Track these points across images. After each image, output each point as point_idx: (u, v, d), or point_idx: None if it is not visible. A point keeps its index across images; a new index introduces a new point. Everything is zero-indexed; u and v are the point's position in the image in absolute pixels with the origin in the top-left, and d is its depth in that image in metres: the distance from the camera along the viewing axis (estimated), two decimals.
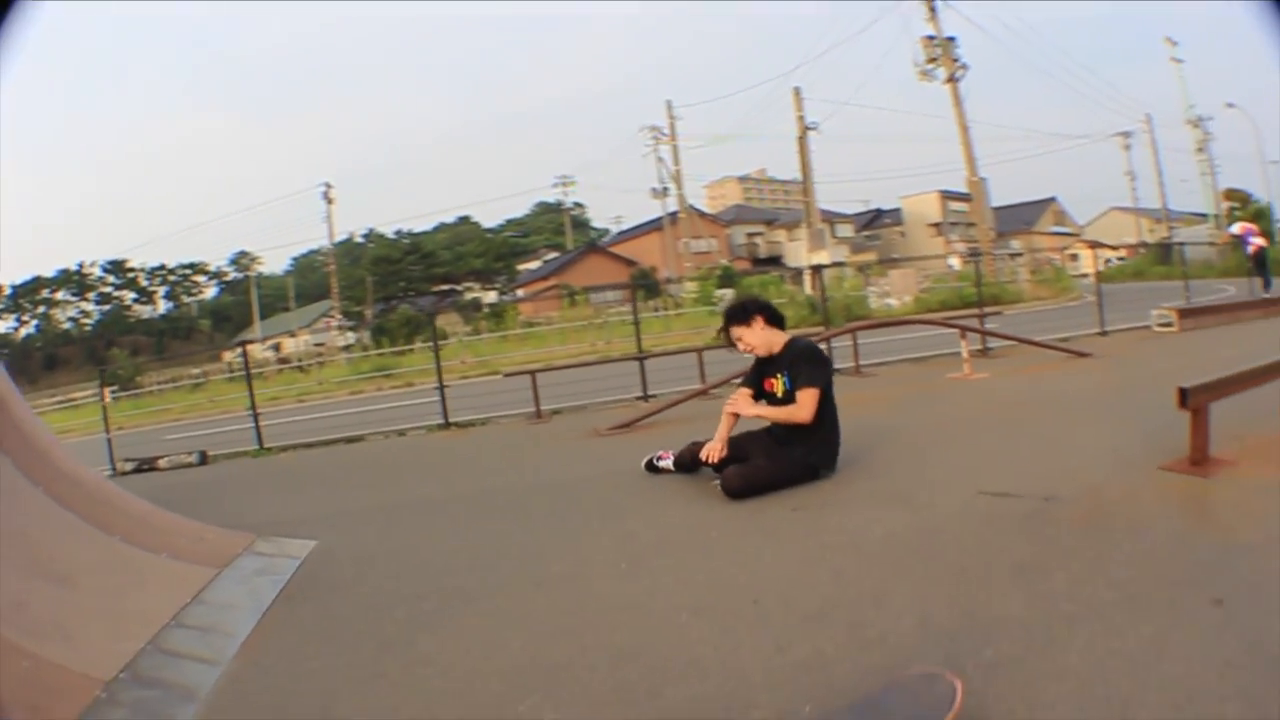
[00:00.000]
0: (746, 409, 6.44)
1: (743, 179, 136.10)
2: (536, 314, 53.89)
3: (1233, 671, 2.92)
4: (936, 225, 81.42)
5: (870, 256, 69.49)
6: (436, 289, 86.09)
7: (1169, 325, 16.63)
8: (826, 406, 6.35)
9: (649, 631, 3.83)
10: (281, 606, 4.85)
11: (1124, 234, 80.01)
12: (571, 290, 64.93)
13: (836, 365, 12.81)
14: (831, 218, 78.67)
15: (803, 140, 40.65)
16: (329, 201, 66.32)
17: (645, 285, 63.35)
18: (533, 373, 13.51)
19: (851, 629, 3.56)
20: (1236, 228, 23.44)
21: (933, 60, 40.46)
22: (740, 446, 6.55)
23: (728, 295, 41.78)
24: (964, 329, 13.43)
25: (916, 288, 36.11)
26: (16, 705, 3.37)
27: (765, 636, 3.60)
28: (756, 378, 6.69)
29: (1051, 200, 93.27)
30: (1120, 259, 63.21)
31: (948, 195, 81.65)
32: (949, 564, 4.28)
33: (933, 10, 40.36)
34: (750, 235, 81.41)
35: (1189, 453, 5.82)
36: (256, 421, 13.80)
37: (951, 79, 40.38)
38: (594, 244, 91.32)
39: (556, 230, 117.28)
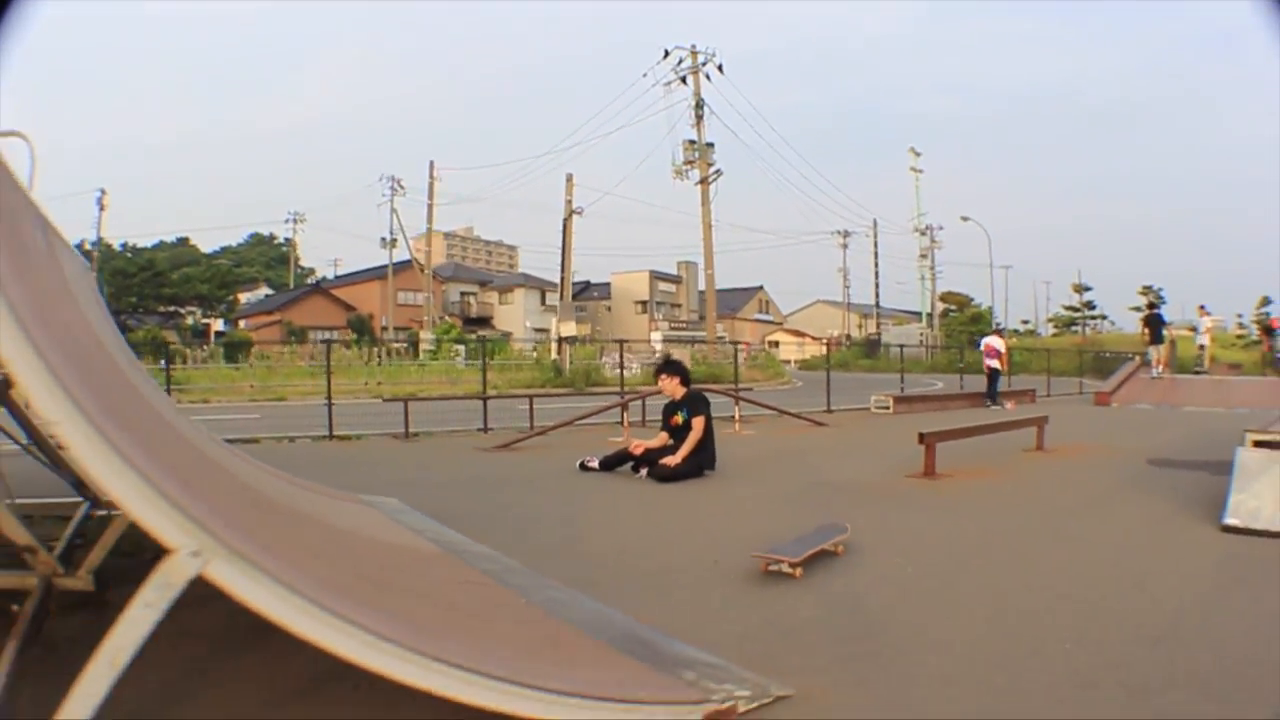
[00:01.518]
0: (677, 459, 10.68)
1: (448, 235, 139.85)
2: (260, 344, 55.62)
3: (940, 529, 7.61)
4: (643, 303, 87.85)
5: (586, 327, 74.78)
6: (161, 309, 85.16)
7: (886, 408, 22.27)
8: (709, 430, 10.86)
9: (653, 539, 8.05)
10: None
11: (828, 326, 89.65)
12: (293, 327, 67.09)
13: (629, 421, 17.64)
14: (543, 285, 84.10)
15: (568, 222, 45.34)
16: (102, 208, 65.98)
17: (359, 330, 66.31)
18: (406, 401, 17.26)
19: (750, 536, 7.77)
20: (986, 343, 27.37)
21: (690, 162, 46.11)
22: (655, 453, 10.95)
23: (461, 350, 46.20)
24: (737, 397, 18.34)
25: (645, 361, 41.18)
26: None
27: (705, 539, 7.89)
28: (666, 418, 11.37)
29: (759, 289, 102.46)
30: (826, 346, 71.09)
31: (657, 275, 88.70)
32: (793, 508, 8.79)
33: (699, 118, 46.11)
34: (464, 294, 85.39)
35: (924, 470, 10.76)
36: None
37: (705, 181, 46.24)
38: (318, 284, 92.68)
39: (268, 263, 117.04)
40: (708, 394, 11.62)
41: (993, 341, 27.22)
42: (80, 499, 6.54)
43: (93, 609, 4.96)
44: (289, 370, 37.10)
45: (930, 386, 33.74)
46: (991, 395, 25.79)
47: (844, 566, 6.46)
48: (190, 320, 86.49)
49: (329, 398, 16.94)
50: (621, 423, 15.94)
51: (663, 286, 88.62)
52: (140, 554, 6.47)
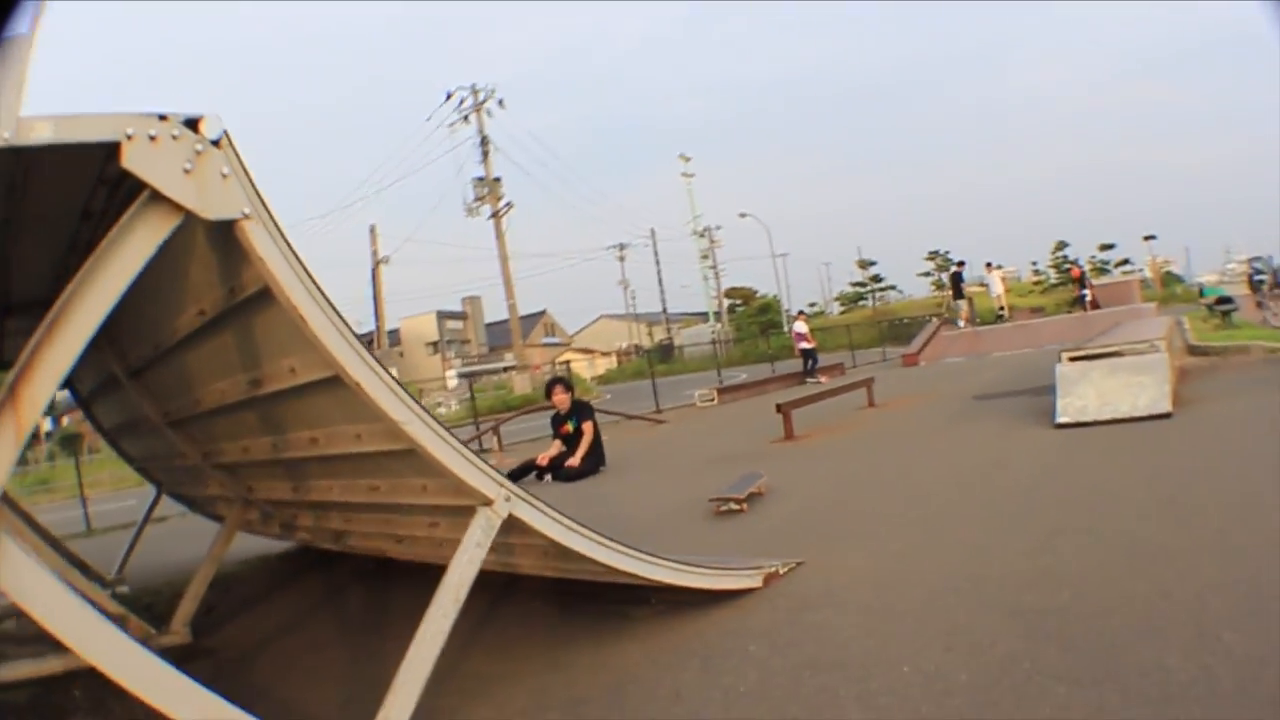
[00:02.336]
0: (574, 459, 12.32)
1: None
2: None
3: (809, 479, 9.58)
4: (434, 344, 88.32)
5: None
6: None
7: (711, 400, 24.31)
8: (597, 432, 12.67)
9: (604, 516, 9.71)
10: None
11: (615, 339, 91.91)
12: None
13: (481, 449, 19.12)
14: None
15: (377, 271, 46.01)
16: None
17: None
18: None
19: (675, 502, 9.48)
20: (798, 327, 29.93)
21: (480, 199, 47.32)
22: (557, 460, 12.54)
23: None
24: None
25: (459, 399, 42.34)
26: None
27: (642, 508, 9.65)
28: (556, 427, 13.02)
29: (542, 313, 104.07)
30: (618, 363, 73.15)
31: (444, 315, 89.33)
32: (692, 480, 10.60)
33: (486, 154, 47.38)
34: None
35: (785, 434, 12.75)
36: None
37: (496, 215, 47.52)
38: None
39: None
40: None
41: (798, 326, 29.93)
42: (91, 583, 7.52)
43: (200, 658, 5.89)
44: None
45: (735, 378, 35.76)
46: (809, 371, 28.31)
47: (772, 500, 8.33)
48: None
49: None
50: (495, 447, 17.33)
51: (451, 324, 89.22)
52: (216, 607, 7.59)
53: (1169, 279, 58.65)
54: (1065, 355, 10.74)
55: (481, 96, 48.22)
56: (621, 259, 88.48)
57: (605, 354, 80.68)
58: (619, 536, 6.15)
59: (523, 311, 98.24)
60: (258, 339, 4.70)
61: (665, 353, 64.97)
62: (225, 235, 3.69)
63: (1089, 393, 10.08)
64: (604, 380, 61.70)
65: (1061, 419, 10.01)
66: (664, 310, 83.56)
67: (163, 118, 3.47)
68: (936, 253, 72.54)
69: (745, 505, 7.89)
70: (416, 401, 4.07)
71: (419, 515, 5.39)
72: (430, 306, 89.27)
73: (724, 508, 7.92)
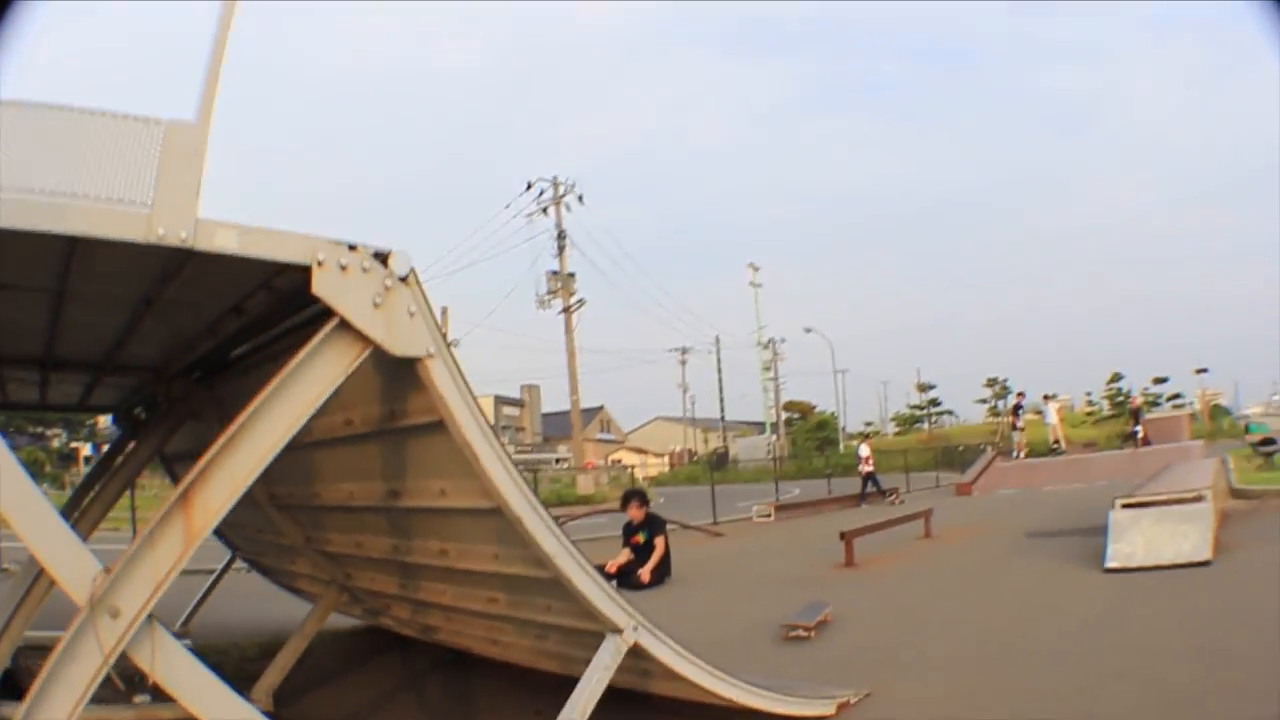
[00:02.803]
0: (644, 572, 12.92)
1: None
2: None
3: (869, 606, 10.21)
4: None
5: None
6: (32, 430, 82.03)
7: (767, 516, 24.79)
8: (668, 549, 13.39)
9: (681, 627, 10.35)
10: None
11: (669, 441, 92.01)
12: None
13: None
14: None
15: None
16: None
17: None
18: None
19: (744, 619, 10.12)
20: (864, 449, 31.03)
21: (553, 292, 47.97)
22: (625, 568, 13.10)
23: None
24: None
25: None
26: None
27: (715, 623, 10.30)
28: (627, 537, 13.69)
29: (600, 409, 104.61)
30: (670, 466, 73.07)
31: (501, 400, 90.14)
32: (759, 599, 11.22)
33: (562, 248, 48.20)
34: None
35: (845, 560, 13.36)
36: None
37: (567, 310, 48.26)
38: None
39: None
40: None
41: (863, 449, 30.62)
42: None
43: None
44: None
45: (790, 493, 35.97)
46: (865, 495, 28.89)
47: (838, 629, 8.92)
48: (56, 443, 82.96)
49: None
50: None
51: (508, 410, 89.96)
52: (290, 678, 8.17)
53: (1217, 412, 58.25)
54: (1119, 502, 11.38)
55: (562, 190, 48.92)
56: (683, 362, 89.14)
57: (658, 455, 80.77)
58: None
59: (580, 405, 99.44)
60: (408, 457, 5.01)
61: (720, 461, 64.40)
62: (398, 364, 3.93)
63: (1137, 539, 10.71)
64: (656, 482, 61.53)
65: (1110, 564, 10.59)
66: (722, 418, 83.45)
67: (353, 248, 3.73)
68: (995, 380, 72.35)
69: (814, 633, 8.50)
70: (563, 535, 4.56)
71: (531, 629, 5.82)
72: (488, 391, 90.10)
73: (793, 633, 8.53)
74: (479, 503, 4.51)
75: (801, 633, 8.53)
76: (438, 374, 3.98)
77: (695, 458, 78.78)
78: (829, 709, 5.97)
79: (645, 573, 12.83)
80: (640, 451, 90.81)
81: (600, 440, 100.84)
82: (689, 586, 12.83)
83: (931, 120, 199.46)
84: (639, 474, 66.63)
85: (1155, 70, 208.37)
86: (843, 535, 13.79)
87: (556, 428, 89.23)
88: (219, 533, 9.90)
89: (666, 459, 77.94)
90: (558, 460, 73.08)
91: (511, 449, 67.90)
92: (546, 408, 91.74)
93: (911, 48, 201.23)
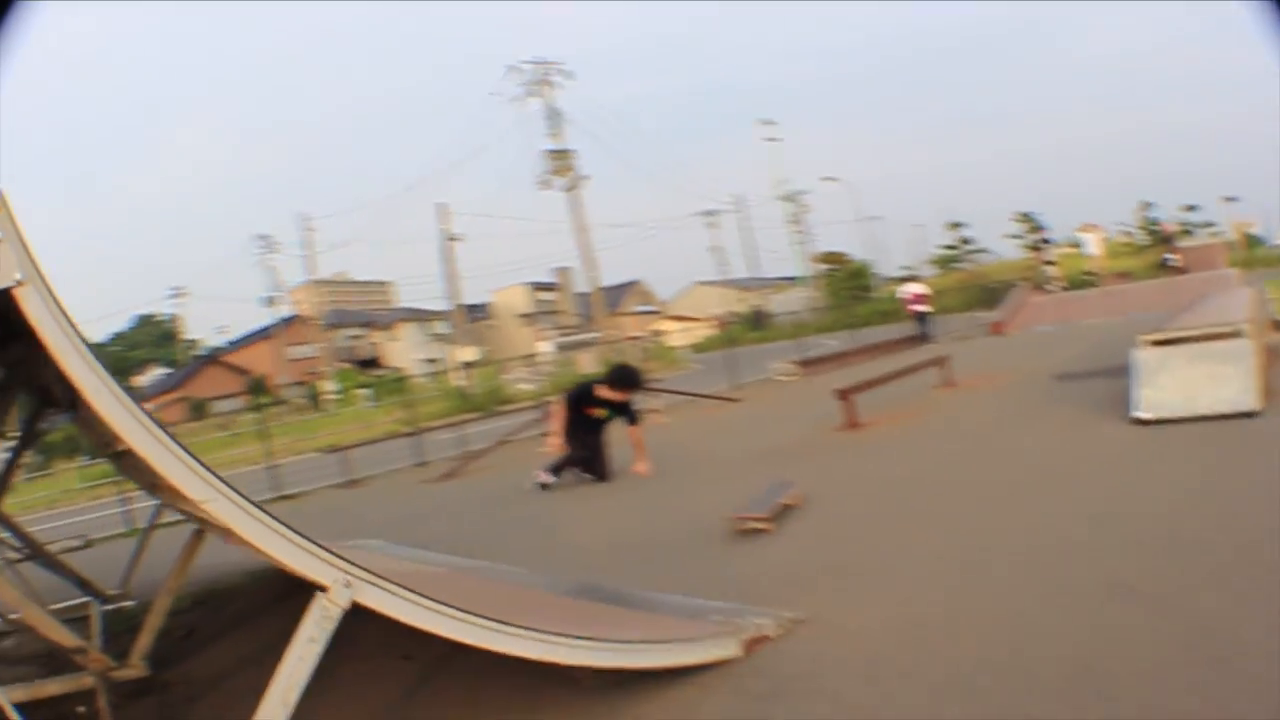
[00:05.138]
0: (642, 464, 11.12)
1: (321, 283, 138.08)
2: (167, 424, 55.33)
3: (875, 473, 8.46)
4: (526, 315, 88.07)
5: (473, 349, 75.00)
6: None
7: (792, 375, 23.13)
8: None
9: (629, 523, 8.77)
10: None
11: (710, 306, 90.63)
12: (196, 401, 66.44)
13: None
14: (424, 316, 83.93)
15: (449, 250, 45.49)
16: None
17: (258, 392, 66.03)
18: (345, 449, 17.82)
19: (709, 506, 8.56)
20: (909, 289, 30.27)
21: (554, 172, 46.24)
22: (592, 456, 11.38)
23: (367, 393, 46.06)
24: (653, 390, 18.99)
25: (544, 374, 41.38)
26: None
27: (673, 514, 8.66)
28: (580, 406, 11.32)
29: (635, 282, 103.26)
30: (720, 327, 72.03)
31: (536, 286, 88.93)
32: (739, 476, 9.52)
33: (556, 128, 46.26)
34: (351, 338, 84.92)
35: (846, 422, 11.55)
36: None
37: (571, 187, 46.32)
38: (211, 355, 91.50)
39: (156, 343, 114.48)
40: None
41: (912, 288, 29.21)
42: (87, 598, 7.01)
43: (156, 691, 5.39)
44: (202, 444, 36.82)
45: (826, 346, 34.55)
46: (925, 333, 27.69)
47: (803, 518, 7.24)
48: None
49: (269, 460, 17.41)
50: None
51: (542, 296, 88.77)
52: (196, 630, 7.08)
53: (1251, 241, 55.75)
54: (1144, 339, 9.36)
55: (546, 72, 47.13)
56: (712, 225, 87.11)
57: (701, 320, 79.47)
58: (621, 559, 5.27)
59: (614, 281, 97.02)
60: None
61: (758, 320, 63.87)
62: None
63: (1169, 384, 8.76)
64: (699, 349, 60.60)
65: (1138, 413, 8.71)
66: (755, 277, 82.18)
67: None
68: (1025, 214, 69.79)
69: (771, 525, 6.87)
70: (220, 479, 3.36)
71: None
72: (521, 280, 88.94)
73: (746, 526, 6.93)
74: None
75: (756, 524, 6.90)
76: (31, 304, 3.30)
77: (735, 319, 77.54)
78: (729, 650, 4.30)
79: (643, 467, 11.05)
80: (683, 319, 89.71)
81: (640, 313, 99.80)
82: (662, 472, 10.97)
83: None
84: (682, 340, 65.90)
85: None
86: (841, 394, 12.02)
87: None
88: None
89: (713, 323, 76.74)
90: (591, 342, 71.91)
91: (554, 332, 67.49)
92: (583, 287, 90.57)
93: None
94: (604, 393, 11.32)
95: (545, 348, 66.30)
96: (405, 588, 3.63)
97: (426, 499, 13.08)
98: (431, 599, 3.68)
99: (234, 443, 34.49)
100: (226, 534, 3.52)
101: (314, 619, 3.41)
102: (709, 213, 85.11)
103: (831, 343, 35.00)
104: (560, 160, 46.38)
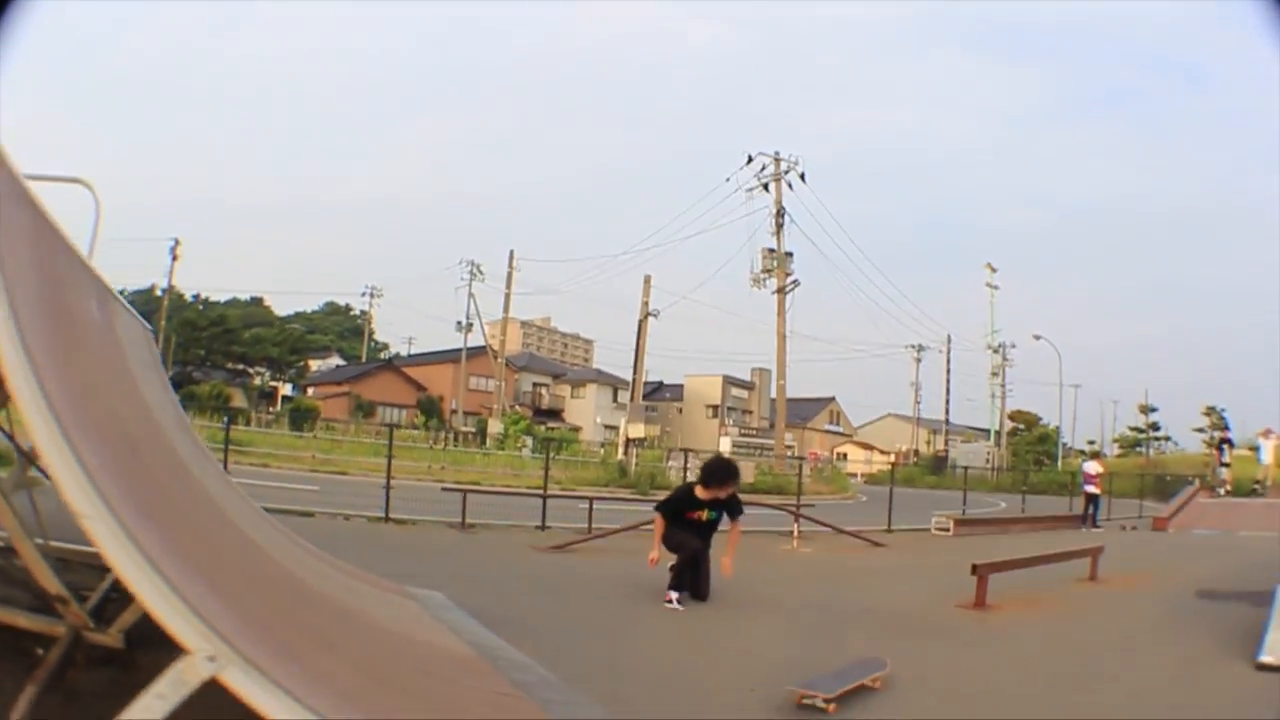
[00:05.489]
0: (727, 562, 10.44)
1: (525, 324, 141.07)
2: (329, 416, 57.00)
3: (989, 674, 7.81)
4: (714, 408, 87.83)
5: (655, 429, 75.03)
6: (229, 366, 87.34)
7: (946, 530, 22.24)
8: None
9: (694, 662, 8.33)
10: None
11: (897, 440, 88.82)
12: (362, 401, 68.36)
13: None
14: (615, 382, 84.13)
15: (643, 323, 45.78)
16: (174, 258, 68.26)
17: (428, 412, 67.28)
18: (465, 492, 17.05)
19: (790, 661, 8.05)
20: (1089, 466, 28.60)
21: (768, 271, 46.22)
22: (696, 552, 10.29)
23: (529, 441, 46.21)
24: (795, 514, 18.55)
25: None
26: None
27: (746, 663, 8.10)
28: (684, 509, 10.47)
29: (830, 400, 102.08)
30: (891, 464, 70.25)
31: (730, 381, 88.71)
32: (836, 635, 8.96)
33: (780, 226, 46.27)
34: (536, 385, 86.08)
35: (974, 600, 10.85)
36: None
37: (781, 290, 46.22)
38: (390, 361, 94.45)
39: (341, 334, 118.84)
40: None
41: (1090, 466, 27.80)
42: None
43: (120, 666, 5.05)
44: (353, 445, 37.51)
45: (994, 507, 33.60)
46: (1090, 518, 26.15)
47: (880, 703, 6.55)
48: (258, 381, 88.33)
49: (388, 479, 17.25)
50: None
51: (735, 392, 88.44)
52: None
53: None
54: None
55: (784, 167, 46.86)
56: (918, 360, 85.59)
57: (885, 452, 77.93)
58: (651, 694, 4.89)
59: (811, 394, 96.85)
60: None
61: (938, 465, 62.29)
62: None
63: None
64: (874, 480, 59.30)
65: (1265, 658, 7.65)
66: (946, 421, 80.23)
67: None
68: (1214, 408, 66.11)
69: (833, 706, 6.15)
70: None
71: None
72: (716, 369, 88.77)
73: (807, 701, 6.32)
74: None
75: (818, 703, 6.37)
76: None
77: (916, 458, 75.73)
78: None
79: (728, 563, 10.39)
80: (868, 447, 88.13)
81: (828, 431, 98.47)
82: (757, 606, 10.47)
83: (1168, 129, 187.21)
84: (860, 469, 64.60)
85: None
86: (975, 569, 11.20)
87: (787, 414, 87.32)
88: None
89: (893, 456, 75.17)
90: (760, 453, 70.87)
91: (735, 431, 67.11)
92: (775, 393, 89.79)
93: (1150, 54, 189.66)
94: (702, 493, 10.51)
95: (724, 443, 66.00)
96: (280, 685, 3.06)
97: (522, 564, 12.79)
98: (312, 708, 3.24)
99: (364, 450, 34.99)
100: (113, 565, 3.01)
101: (169, 679, 2.98)
102: (916, 346, 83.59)
103: (1000, 504, 33.70)
104: (778, 261, 46.15)
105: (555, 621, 8.89)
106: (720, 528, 10.55)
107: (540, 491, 18.87)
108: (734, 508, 10.59)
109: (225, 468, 15.63)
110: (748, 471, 38.84)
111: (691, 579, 10.26)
